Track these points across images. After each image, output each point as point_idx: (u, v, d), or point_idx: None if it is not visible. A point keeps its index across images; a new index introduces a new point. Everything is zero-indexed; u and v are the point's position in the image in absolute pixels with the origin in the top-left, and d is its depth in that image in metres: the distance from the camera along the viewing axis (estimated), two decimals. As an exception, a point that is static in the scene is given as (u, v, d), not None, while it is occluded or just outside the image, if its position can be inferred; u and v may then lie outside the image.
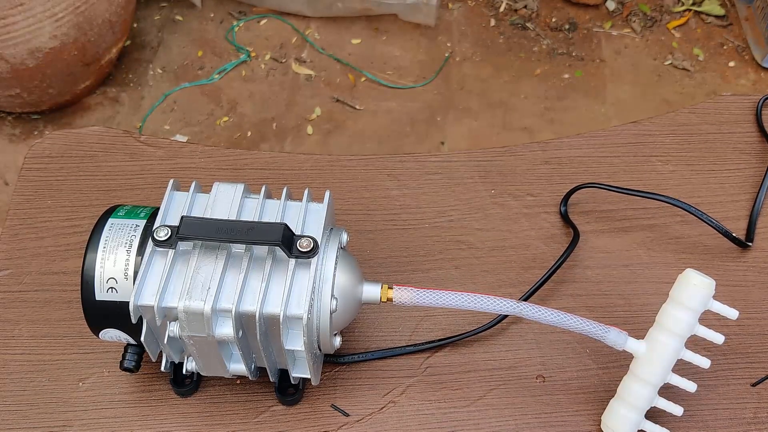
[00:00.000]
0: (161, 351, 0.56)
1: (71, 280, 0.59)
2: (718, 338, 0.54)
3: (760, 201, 0.71)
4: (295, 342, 0.52)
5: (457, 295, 0.54)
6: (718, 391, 0.61)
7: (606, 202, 0.72)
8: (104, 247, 0.53)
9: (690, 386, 0.55)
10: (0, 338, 0.63)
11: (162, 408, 0.60)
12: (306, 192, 0.56)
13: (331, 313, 0.52)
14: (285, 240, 0.50)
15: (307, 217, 0.55)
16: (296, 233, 0.52)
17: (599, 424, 0.59)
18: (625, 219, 0.71)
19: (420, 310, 0.66)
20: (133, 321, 0.50)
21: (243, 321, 0.51)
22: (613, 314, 0.65)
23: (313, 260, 0.51)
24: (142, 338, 0.52)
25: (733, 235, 0.67)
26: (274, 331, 0.51)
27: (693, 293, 0.53)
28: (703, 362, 0.54)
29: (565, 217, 0.70)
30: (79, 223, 0.70)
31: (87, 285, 0.52)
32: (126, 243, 0.53)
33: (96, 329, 0.55)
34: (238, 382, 0.61)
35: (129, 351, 0.57)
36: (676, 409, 0.55)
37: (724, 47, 2.01)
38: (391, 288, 0.55)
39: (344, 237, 0.56)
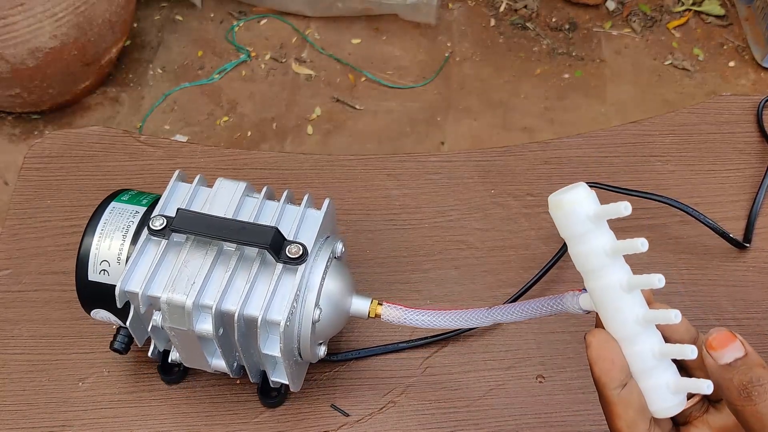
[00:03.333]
0: (149, 337, 0.56)
1: (71, 280, 0.59)
2: (641, 244, 0.39)
3: (759, 202, 0.71)
4: (273, 347, 0.52)
5: (448, 316, 0.52)
6: (718, 391, 0.61)
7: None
8: (102, 230, 0.54)
9: (672, 315, 0.39)
10: (0, 338, 0.63)
11: (162, 408, 0.60)
12: (306, 197, 0.56)
13: (313, 323, 0.52)
14: (274, 244, 0.50)
15: (303, 223, 0.54)
16: (288, 238, 0.52)
17: (600, 424, 0.59)
18: (625, 219, 0.71)
19: (420, 310, 0.66)
20: (119, 305, 0.51)
21: (224, 319, 0.51)
22: (613, 314, 0.65)
23: (301, 267, 0.51)
24: (127, 323, 0.53)
25: (731, 235, 0.67)
26: (252, 334, 0.51)
27: (572, 217, 0.40)
28: (654, 280, 0.39)
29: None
30: (78, 222, 0.70)
31: (81, 264, 0.53)
32: (123, 228, 0.54)
33: (87, 308, 0.56)
34: (238, 382, 0.61)
35: (120, 333, 0.57)
36: (687, 350, 0.39)
37: (724, 47, 2.02)
38: (381, 304, 0.54)
39: (339, 247, 0.55)
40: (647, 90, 1.92)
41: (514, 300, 0.65)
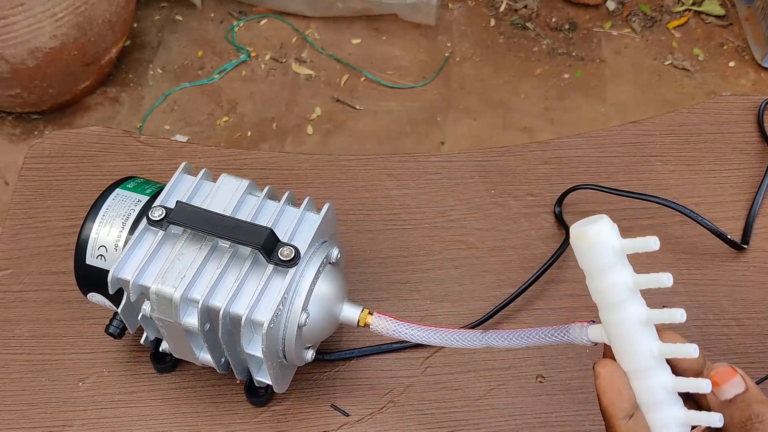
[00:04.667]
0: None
1: (71, 280, 0.59)
2: (666, 279, 0.39)
3: (758, 203, 0.71)
4: (256, 347, 0.52)
5: (439, 333, 0.51)
6: (718, 391, 0.61)
7: (605, 202, 0.72)
8: (103, 215, 0.54)
9: (690, 350, 0.38)
10: (0, 338, 0.63)
11: (162, 407, 0.60)
12: (306, 200, 0.55)
13: (299, 327, 0.52)
14: (266, 245, 0.50)
15: (300, 226, 0.54)
16: (283, 240, 0.52)
17: (599, 424, 0.59)
18: (625, 219, 0.71)
19: (421, 310, 0.66)
20: (110, 292, 0.51)
21: (210, 315, 0.51)
22: (613, 314, 0.65)
23: (291, 270, 0.51)
24: (119, 309, 0.53)
25: (728, 237, 0.67)
26: (237, 332, 0.51)
27: (597, 250, 0.39)
28: (677, 314, 0.39)
29: (559, 218, 0.70)
30: (78, 223, 0.69)
31: (80, 248, 0.54)
32: (124, 215, 0.54)
33: (83, 291, 0.56)
34: (238, 381, 0.61)
35: (116, 317, 0.57)
36: (702, 384, 0.39)
37: (724, 47, 2.01)
38: (371, 314, 0.54)
39: (334, 252, 0.55)
40: (647, 90, 1.92)
41: (513, 299, 0.64)
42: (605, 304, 0.40)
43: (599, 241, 0.39)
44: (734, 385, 0.38)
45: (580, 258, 0.40)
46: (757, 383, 0.61)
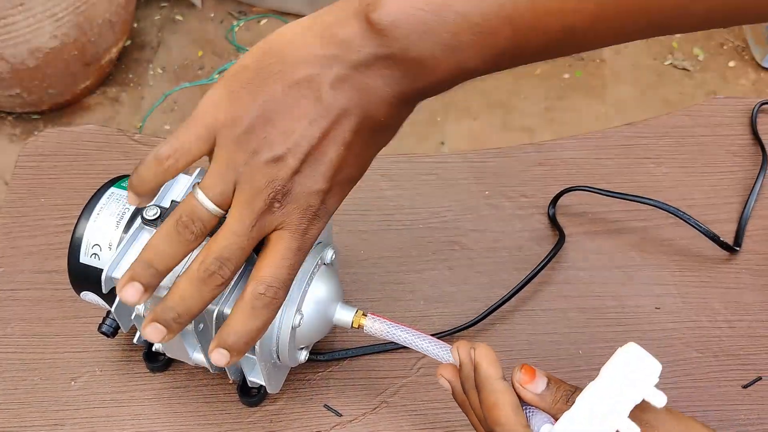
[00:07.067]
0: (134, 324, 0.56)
1: (64, 279, 0.59)
2: None
3: (750, 206, 0.71)
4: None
5: (431, 342, 0.51)
6: (710, 392, 0.61)
7: (599, 204, 0.72)
8: (98, 214, 0.54)
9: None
10: (-7, 337, 0.64)
11: (154, 407, 0.60)
12: None
13: (293, 328, 0.51)
14: (259, 244, 0.50)
15: None
16: None
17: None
18: (618, 221, 0.71)
19: (415, 310, 0.66)
20: (104, 291, 0.51)
21: (204, 315, 0.50)
22: (606, 316, 0.65)
23: None
24: (112, 308, 0.53)
25: (721, 239, 0.67)
26: None
27: (622, 365, 0.40)
28: None
29: (552, 220, 0.70)
30: (72, 221, 0.69)
31: (74, 246, 0.54)
32: (118, 214, 0.54)
33: (77, 290, 0.56)
34: (231, 381, 0.61)
35: (109, 316, 0.58)
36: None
37: (724, 47, 2.01)
38: (365, 315, 0.53)
39: (329, 254, 0.54)
40: (647, 90, 1.92)
41: (506, 300, 0.64)
42: (583, 410, 0.40)
43: (638, 367, 0.39)
44: (540, 377, 0.45)
45: (612, 362, 0.40)
46: (748, 385, 0.62)
